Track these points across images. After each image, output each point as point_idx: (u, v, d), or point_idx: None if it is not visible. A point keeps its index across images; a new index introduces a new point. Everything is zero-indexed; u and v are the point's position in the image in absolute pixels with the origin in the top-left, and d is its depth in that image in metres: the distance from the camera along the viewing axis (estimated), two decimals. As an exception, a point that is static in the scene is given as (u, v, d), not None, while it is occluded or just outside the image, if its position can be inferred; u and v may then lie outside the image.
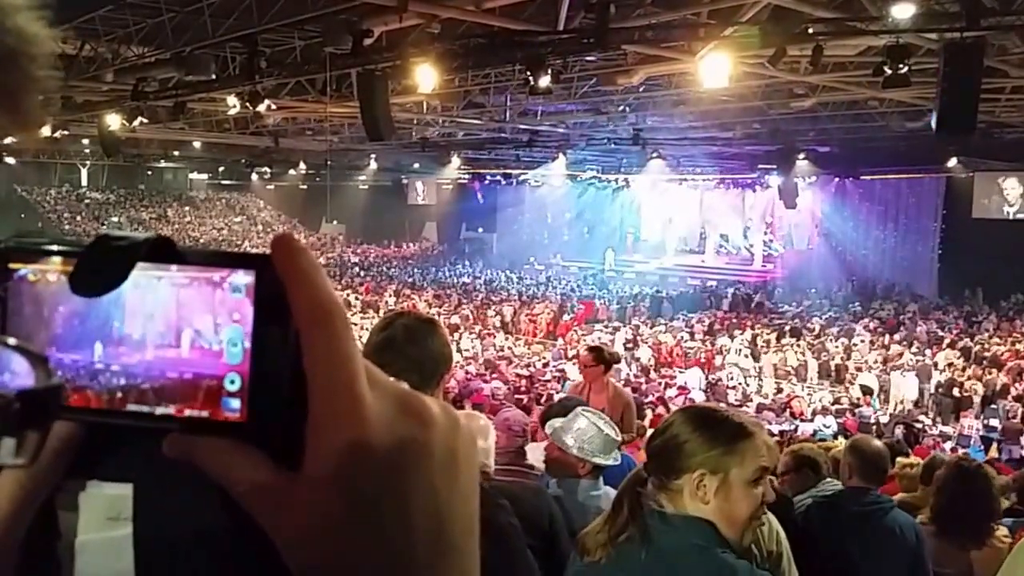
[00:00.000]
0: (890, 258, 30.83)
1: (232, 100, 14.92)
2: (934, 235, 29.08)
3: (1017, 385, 17.31)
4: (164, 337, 0.43)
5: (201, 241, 41.43)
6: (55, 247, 0.45)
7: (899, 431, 13.02)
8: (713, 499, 1.89)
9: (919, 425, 14.91)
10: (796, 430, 13.97)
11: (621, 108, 18.46)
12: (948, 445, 14.30)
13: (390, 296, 28.48)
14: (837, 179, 28.00)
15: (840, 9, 10.52)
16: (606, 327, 24.33)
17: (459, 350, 19.45)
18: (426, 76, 11.65)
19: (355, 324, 20.07)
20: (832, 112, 18.11)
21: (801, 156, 22.60)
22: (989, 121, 16.64)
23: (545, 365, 19.04)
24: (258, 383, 0.42)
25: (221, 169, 41.58)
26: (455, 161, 29.09)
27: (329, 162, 29.45)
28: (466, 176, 35.64)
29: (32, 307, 0.45)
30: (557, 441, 3.62)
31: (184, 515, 0.46)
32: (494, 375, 16.48)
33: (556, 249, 38.75)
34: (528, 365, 19.06)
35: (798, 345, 21.37)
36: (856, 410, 16.23)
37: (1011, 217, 26.79)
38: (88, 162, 41.96)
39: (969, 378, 18.05)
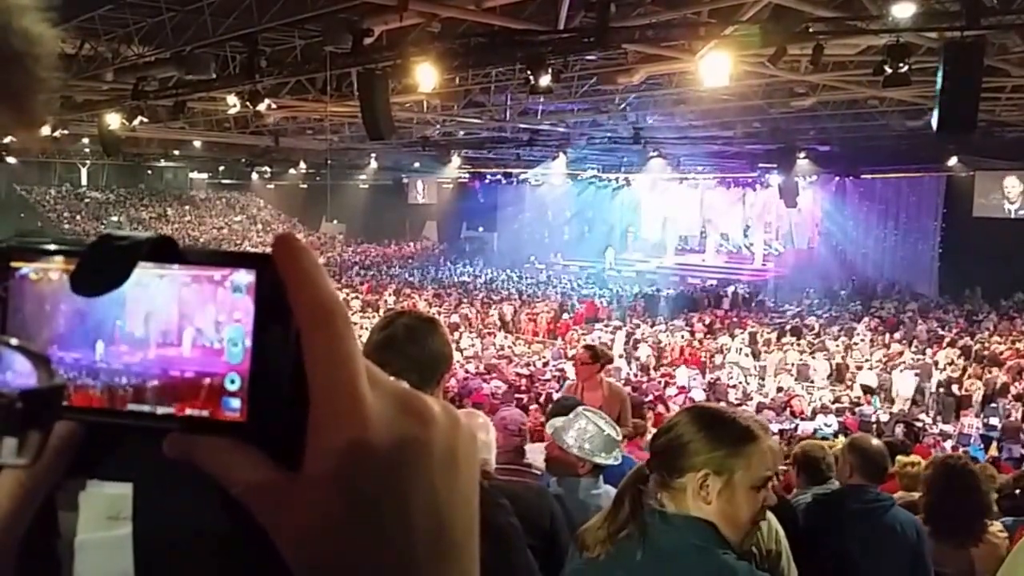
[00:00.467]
0: (890, 257, 30.83)
1: (232, 99, 14.92)
2: (934, 234, 29.07)
3: (1017, 384, 17.31)
4: (165, 336, 0.44)
5: (201, 240, 41.44)
6: (56, 246, 0.45)
7: (899, 430, 13.01)
8: (716, 500, 1.88)
9: (919, 424, 14.91)
10: (796, 429, 13.98)
11: (621, 107, 18.45)
12: (948, 444, 14.31)
13: (390, 295, 28.48)
14: (837, 178, 27.98)
15: (840, 8, 10.52)
16: (606, 326, 24.33)
17: (459, 349, 19.46)
18: (426, 75, 11.65)
19: (355, 323, 19.75)
20: (832, 111, 18.11)
21: (801, 155, 22.60)
22: (989, 120, 16.63)
23: (545, 364, 19.05)
24: (259, 382, 0.42)
25: (221, 168, 41.56)
26: (455, 160, 29.09)
27: (329, 161, 29.45)
28: (466, 175, 35.63)
29: (34, 306, 0.45)
30: (558, 440, 3.64)
31: (184, 514, 0.46)
32: (494, 374, 16.49)
33: (556, 248, 38.75)
34: (528, 364, 19.06)
35: (799, 344, 21.38)
36: (856, 409, 16.23)
37: (1012, 215, 26.78)
38: (88, 161, 41.92)
39: (969, 377, 18.04)
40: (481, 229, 43.33)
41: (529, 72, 11.34)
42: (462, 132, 23.47)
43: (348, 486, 0.41)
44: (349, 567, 0.42)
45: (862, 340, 21.78)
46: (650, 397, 14.33)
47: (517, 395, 14.26)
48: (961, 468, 4.07)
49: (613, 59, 13.51)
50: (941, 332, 22.36)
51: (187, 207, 48.59)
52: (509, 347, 21.78)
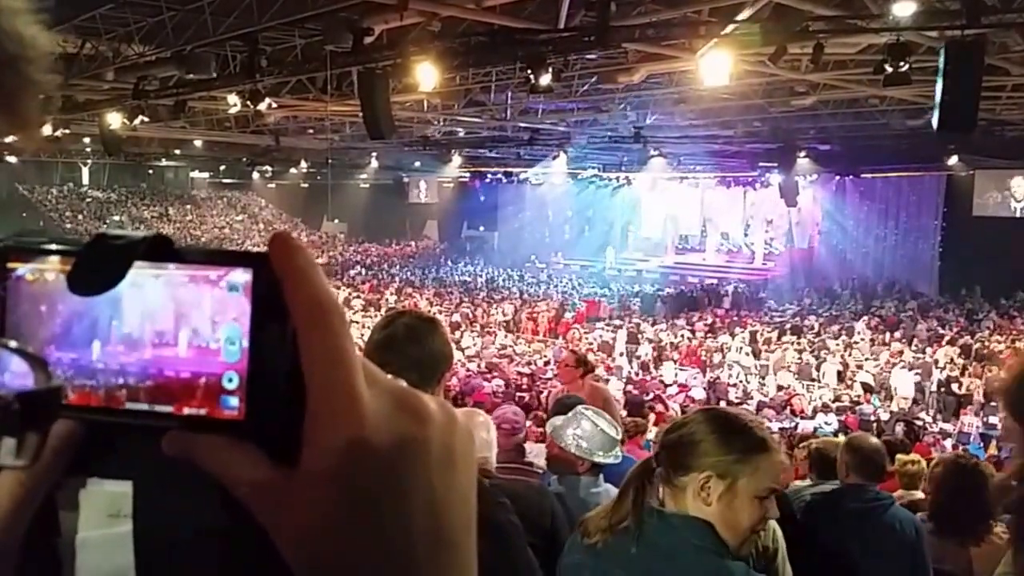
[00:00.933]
0: (891, 256, 30.83)
1: (233, 99, 14.92)
2: (934, 233, 29.07)
3: (1018, 383, 17.28)
4: (162, 336, 0.44)
5: (202, 240, 41.46)
6: (53, 246, 0.45)
7: (900, 428, 13.00)
8: (716, 503, 1.88)
9: (919, 423, 14.90)
10: (796, 427, 13.96)
11: (622, 106, 18.44)
12: (948, 442, 14.31)
13: (391, 295, 28.48)
14: (838, 177, 27.96)
15: (841, 7, 10.51)
16: (607, 325, 24.33)
17: (460, 348, 19.46)
18: (427, 74, 11.64)
19: (356, 323, 20.12)
20: (833, 110, 18.10)
21: (802, 154, 22.59)
22: (990, 119, 16.63)
23: (546, 363, 19.03)
24: (256, 381, 0.43)
25: (222, 168, 41.53)
26: (456, 159, 29.09)
27: (330, 160, 29.44)
28: (467, 174, 35.61)
29: (31, 306, 0.45)
30: (557, 439, 3.65)
31: (184, 512, 0.46)
32: (495, 373, 16.49)
33: (557, 247, 38.74)
34: (529, 363, 19.06)
35: (799, 343, 21.38)
36: (857, 407, 16.22)
37: (1019, 214, 26.76)
38: (89, 161, 41.91)
39: (969, 375, 18.05)
40: (482, 228, 43.33)
41: (529, 71, 11.33)
42: (462, 131, 23.46)
43: (346, 484, 0.41)
44: (348, 565, 0.42)
45: (862, 339, 21.78)
46: (651, 396, 14.32)
47: (519, 394, 14.26)
48: (972, 468, 4.08)
49: (613, 58, 13.50)
50: (941, 331, 22.37)
51: (188, 206, 48.59)
52: (510, 346, 21.80)
